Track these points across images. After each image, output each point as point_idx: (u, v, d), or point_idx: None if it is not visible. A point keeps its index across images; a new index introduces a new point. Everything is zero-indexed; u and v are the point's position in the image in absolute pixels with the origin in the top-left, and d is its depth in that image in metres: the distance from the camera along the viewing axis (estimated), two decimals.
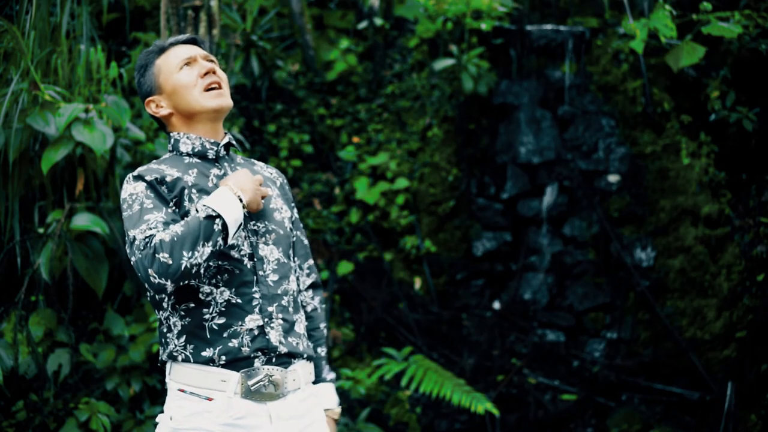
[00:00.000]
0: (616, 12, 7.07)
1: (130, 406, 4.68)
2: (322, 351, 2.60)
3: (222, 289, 2.31)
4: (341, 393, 5.40)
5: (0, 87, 4.69)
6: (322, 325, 2.63)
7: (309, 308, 2.62)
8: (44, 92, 4.51)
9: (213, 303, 2.30)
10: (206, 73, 2.39)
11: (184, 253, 2.15)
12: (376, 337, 6.08)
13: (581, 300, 6.37)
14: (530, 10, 7.64)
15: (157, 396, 4.77)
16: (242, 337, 2.30)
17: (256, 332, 2.31)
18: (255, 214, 2.39)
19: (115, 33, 6.81)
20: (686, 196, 6.20)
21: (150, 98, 2.45)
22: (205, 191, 2.35)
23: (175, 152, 2.44)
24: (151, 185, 2.31)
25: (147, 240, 2.17)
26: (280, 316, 2.36)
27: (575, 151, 6.68)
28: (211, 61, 2.47)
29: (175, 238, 2.15)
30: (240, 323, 2.30)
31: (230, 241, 2.26)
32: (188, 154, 2.42)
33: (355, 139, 6.87)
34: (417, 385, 5.39)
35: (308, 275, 2.63)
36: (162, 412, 2.42)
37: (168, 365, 2.38)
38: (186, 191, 2.33)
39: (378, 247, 6.48)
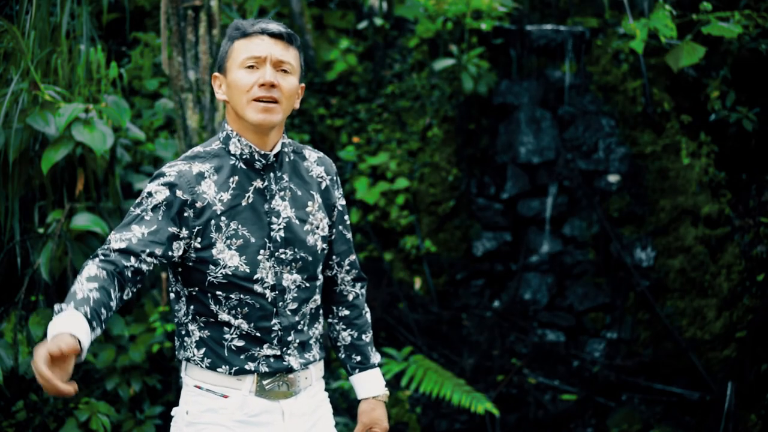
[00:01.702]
0: (616, 12, 7.07)
1: (130, 406, 4.68)
2: (366, 337, 2.59)
3: (240, 321, 2.31)
4: (341, 393, 5.40)
5: (0, 87, 4.69)
6: (365, 311, 2.61)
7: (350, 297, 2.58)
8: (44, 92, 4.51)
9: (233, 327, 2.32)
10: (263, 85, 2.26)
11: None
12: (376, 337, 6.08)
13: (581, 300, 6.37)
14: (530, 10, 7.64)
15: (157, 396, 4.77)
16: (259, 362, 2.34)
17: (272, 359, 2.35)
18: (284, 241, 2.33)
19: (115, 33, 6.81)
20: (686, 196, 6.20)
21: (216, 75, 2.36)
22: (236, 212, 2.28)
23: (224, 146, 2.35)
24: (173, 202, 2.23)
25: (93, 257, 2.14)
26: (297, 341, 2.38)
27: (575, 151, 6.68)
28: (283, 69, 2.29)
29: (76, 282, 2.08)
30: (258, 349, 2.33)
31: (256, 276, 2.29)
32: (235, 156, 2.34)
33: (355, 139, 6.87)
34: (417, 385, 5.39)
35: (348, 272, 2.57)
36: (166, 410, 2.44)
37: (184, 363, 2.40)
38: (213, 222, 2.26)
39: (378, 247, 6.48)
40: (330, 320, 2.60)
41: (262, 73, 2.27)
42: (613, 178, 6.55)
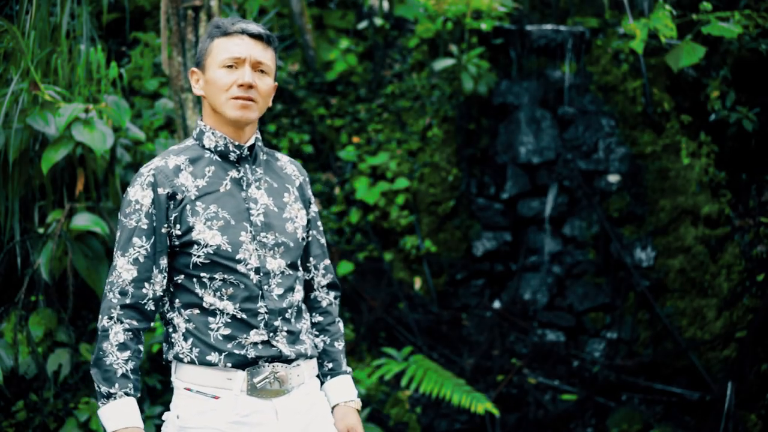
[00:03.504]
0: (616, 12, 7.07)
1: None
2: (339, 345, 2.58)
3: (226, 302, 2.31)
4: None
5: (0, 87, 4.69)
6: (338, 320, 2.61)
7: (324, 303, 2.59)
8: (44, 92, 4.51)
9: (219, 314, 2.32)
10: (242, 85, 2.33)
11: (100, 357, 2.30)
12: (376, 337, 6.08)
13: (581, 300, 6.37)
14: (530, 10, 7.64)
15: (157, 396, 4.77)
16: (247, 349, 2.32)
17: (260, 346, 2.33)
18: (265, 225, 2.37)
19: (115, 33, 6.81)
20: (686, 196, 6.20)
21: (194, 70, 2.44)
22: (212, 196, 2.34)
23: (198, 142, 2.43)
24: (158, 201, 2.32)
25: (108, 310, 2.31)
26: (285, 328, 2.36)
27: (575, 151, 6.68)
28: (261, 70, 2.37)
29: (98, 354, 2.30)
30: (245, 336, 2.32)
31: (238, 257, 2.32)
32: (210, 150, 2.40)
33: (355, 139, 6.87)
34: (417, 385, 5.39)
35: (324, 275, 2.59)
36: (166, 410, 2.43)
37: (173, 365, 2.38)
38: (188, 207, 2.32)
39: (378, 247, 6.48)
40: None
41: (241, 74, 2.34)
42: (613, 178, 6.55)
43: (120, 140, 5.05)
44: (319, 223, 2.60)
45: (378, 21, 7.35)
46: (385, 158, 6.62)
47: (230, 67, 2.35)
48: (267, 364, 2.33)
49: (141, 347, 2.32)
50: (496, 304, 6.54)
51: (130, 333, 2.29)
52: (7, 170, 4.56)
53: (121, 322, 2.29)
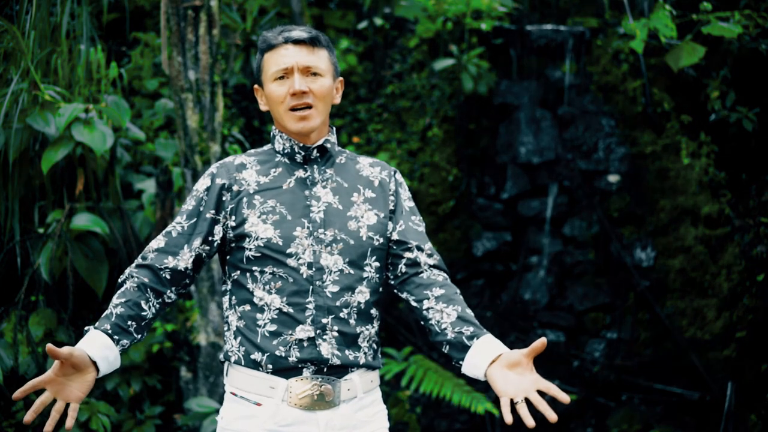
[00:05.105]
0: (616, 12, 7.07)
1: (130, 406, 4.69)
2: (471, 312, 2.38)
3: (274, 296, 2.31)
4: None
5: (0, 87, 4.69)
6: (459, 292, 2.44)
7: (440, 278, 2.44)
8: (44, 92, 4.52)
9: (267, 309, 2.31)
10: (294, 94, 2.35)
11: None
12: None
13: (581, 300, 6.37)
14: (530, 10, 7.64)
15: (157, 396, 4.77)
16: (290, 347, 2.29)
17: (305, 343, 2.29)
18: (324, 222, 2.35)
19: (115, 33, 6.81)
20: (686, 196, 6.20)
21: (256, 87, 2.49)
22: (273, 192, 2.37)
23: (272, 146, 2.49)
24: (213, 189, 2.39)
25: (127, 269, 2.42)
26: (336, 328, 2.30)
27: (575, 151, 6.68)
28: (313, 73, 2.38)
29: (115, 297, 2.35)
30: (290, 332, 2.29)
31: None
32: (280, 153, 2.45)
33: (355, 139, 6.87)
34: (417, 385, 5.39)
35: (429, 256, 2.48)
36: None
37: (225, 366, 2.41)
38: (245, 200, 2.36)
39: None
40: (427, 305, 2.37)
41: (291, 83, 2.37)
42: (613, 178, 6.55)
43: (120, 140, 5.06)
44: (414, 216, 2.53)
45: (378, 21, 7.35)
46: (385, 158, 6.63)
47: (281, 78, 2.37)
48: (312, 375, 2.29)
49: (144, 303, 2.31)
50: (496, 304, 6.54)
51: (135, 286, 2.32)
52: (7, 170, 4.56)
53: (132, 278, 2.34)
